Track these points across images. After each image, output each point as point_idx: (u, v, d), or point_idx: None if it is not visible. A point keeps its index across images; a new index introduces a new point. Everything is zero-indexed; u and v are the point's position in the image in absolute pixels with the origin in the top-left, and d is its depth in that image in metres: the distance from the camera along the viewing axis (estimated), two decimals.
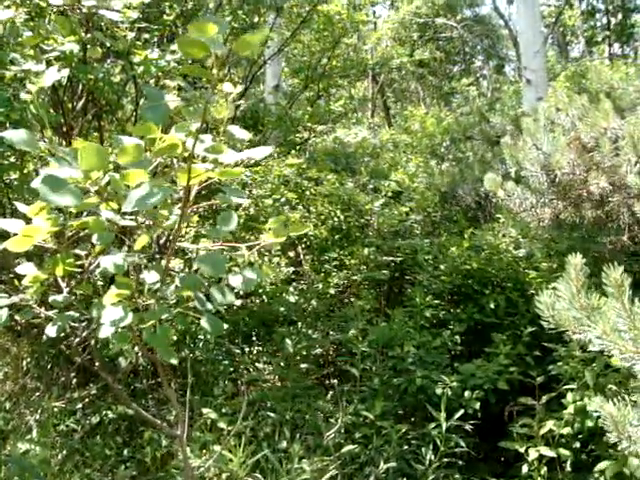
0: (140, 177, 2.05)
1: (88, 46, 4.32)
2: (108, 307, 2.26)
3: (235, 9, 6.77)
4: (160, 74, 4.72)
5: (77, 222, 2.23)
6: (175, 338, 5.90)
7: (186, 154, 2.15)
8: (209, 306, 2.41)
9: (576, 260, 2.32)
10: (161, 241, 6.14)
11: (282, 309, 6.74)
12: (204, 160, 2.23)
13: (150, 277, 2.42)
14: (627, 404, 2.45)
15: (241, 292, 6.93)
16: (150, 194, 1.97)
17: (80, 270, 2.56)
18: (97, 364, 3.68)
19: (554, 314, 2.41)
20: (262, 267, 6.41)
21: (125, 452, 4.99)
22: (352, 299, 7.32)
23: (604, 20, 27.50)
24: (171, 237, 2.47)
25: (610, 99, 4.69)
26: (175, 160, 2.29)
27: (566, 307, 2.32)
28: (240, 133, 2.44)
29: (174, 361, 2.45)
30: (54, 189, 1.95)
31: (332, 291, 7.34)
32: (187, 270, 5.71)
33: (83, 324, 2.81)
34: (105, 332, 2.25)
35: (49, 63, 3.55)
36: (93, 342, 3.11)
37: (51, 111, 4.92)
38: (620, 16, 25.20)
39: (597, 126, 4.46)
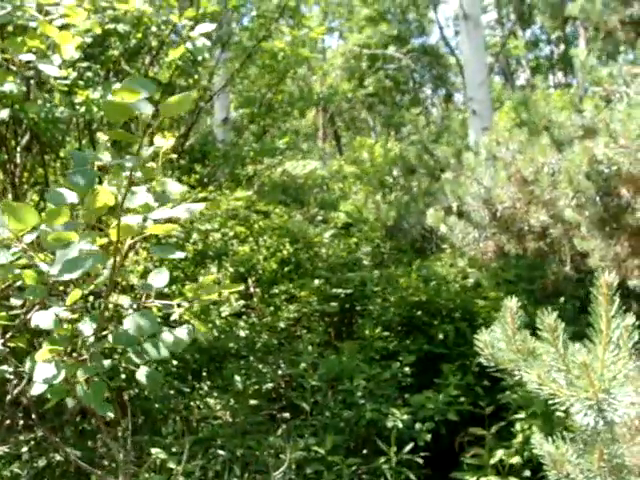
0: (69, 238, 2.05)
1: (31, 82, 4.29)
2: (40, 364, 2.24)
3: (180, 44, 6.77)
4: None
5: (11, 275, 2.21)
6: (123, 376, 5.83)
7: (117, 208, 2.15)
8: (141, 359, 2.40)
9: (511, 304, 2.35)
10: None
11: (231, 344, 6.69)
12: (138, 212, 2.23)
13: (86, 329, 2.40)
14: (565, 442, 2.47)
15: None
16: (80, 260, 1.96)
17: (13, 323, 2.53)
18: (33, 417, 3.61)
19: (493, 352, 2.43)
20: (196, 324, 6.38)
21: None
22: (303, 332, 7.31)
23: (547, 49, 28.14)
24: (103, 292, 2.45)
25: (549, 133, 4.79)
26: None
27: (503, 348, 2.35)
28: (173, 186, 2.46)
29: (111, 413, 2.42)
30: None
31: (282, 324, 7.32)
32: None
33: (14, 381, 2.76)
34: (37, 389, 2.22)
35: None
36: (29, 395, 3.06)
37: None
38: (562, 46, 25.77)
39: (535, 160, 4.55)
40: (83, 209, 2.14)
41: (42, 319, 2.25)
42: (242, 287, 7.65)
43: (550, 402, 2.20)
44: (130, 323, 2.29)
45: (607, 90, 4.81)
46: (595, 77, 4.58)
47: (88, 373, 2.33)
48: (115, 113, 2.07)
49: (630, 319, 2.21)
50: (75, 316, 2.50)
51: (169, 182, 2.46)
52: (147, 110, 2.04)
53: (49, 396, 2.31)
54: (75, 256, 1.98)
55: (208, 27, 4.07)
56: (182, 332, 2.46)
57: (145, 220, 2.20)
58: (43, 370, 2.22)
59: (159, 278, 2.46)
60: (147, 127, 2.09)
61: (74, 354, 2.38)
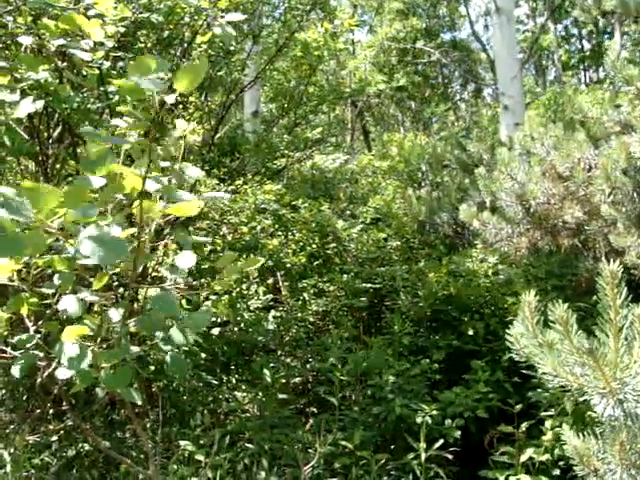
0: (92, 221, 2.03)
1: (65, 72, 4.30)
2: (66, 344, 2.23)
3: (212, 37, 6.78)
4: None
5: (41, 260, 2.20)
6: (152, 367, 5.85)
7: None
8: (169, 346, 2.39)
9: (529, 298, 2.33)
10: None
11: (260, 338, 6.69)
12: (161, 198, 2.22)
13: (115, 315, 2.39)
14: (594, 436, 2.44)
15: (218, 320, 6.91)
16: (109, 243, 1.94)
17: (46, 309, 2.53)
18: (65, 405, 3.62)
19: (522, 347, 2.42)
20: (218, 306, 6.40)
21: None
22: (331, 326, 7.30)
23: (579, 45, 27.88)
24: (129, 278, 2.44)
25: (584, 128, 4.73)
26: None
27: (525, 342, 2.34)
28: (192, 171, 2.44)
29: (138, 401, 2.41)
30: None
31: (311, 319, 7.31)
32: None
33: (46, 368, 2.76)
34: (64, 373, 2.21)
35: (24, 92, 3.52)
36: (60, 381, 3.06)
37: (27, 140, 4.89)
38: (594, 41, 25.52)
39: (571, 156, 4.49)
40: (104, 192, 2.12)
41: (69, 304, 2.25)
42: (270, 279, 7.66)
43: (566, 393, 2.20)
44: (153, 303, 2.28)
45: (639, 89, 4.73)
46: (626, 75, 4.50)
47: (114, 358, 2.32)
48: (130, 93, 2.05)
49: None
50: (105, 302, 2.50)
51: (189, 166, 2.44)
52: (158, 87, 2.03)
53: (77, 382, 2.30)
54: (104, 240, 1.95)
55: (237, 16, 4.07)
56: (202, 313, 2.44)
57: (168, 202, 2.19)
58: (69, 350, 2.22)
59: (185, 260, 2.43)
60: (161, 107, 2.08)
61: (102, 341, 2.38)
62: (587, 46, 27.44)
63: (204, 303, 6.31)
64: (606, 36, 23.44)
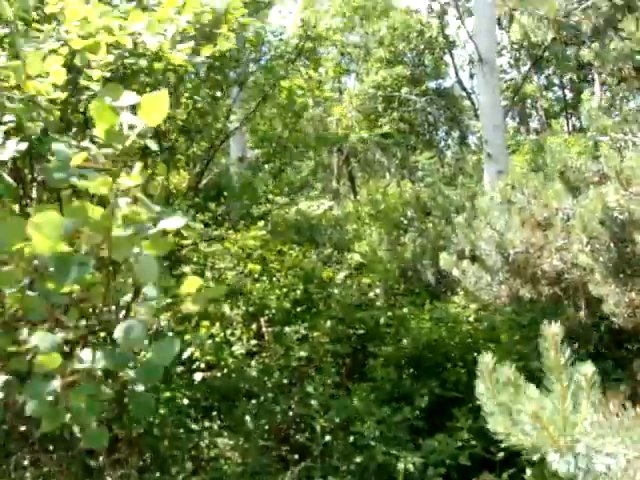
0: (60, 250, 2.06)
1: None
2: (34, 379, 2.22)
3: (198, 83, 6.86)
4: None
5: (11, 298, 2.21)
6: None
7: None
8: (139, 387, 2.37)
9: (486, 359, 2.38)
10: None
11: (242, 384, 6.67)
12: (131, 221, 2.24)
13: (87, 355, 2.37)
14: None
15: (201, 365, 6.89)
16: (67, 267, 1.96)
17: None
18: (41, 458, 3.59)
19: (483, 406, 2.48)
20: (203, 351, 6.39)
21: None
22: (314, 372, 7.28)
23: (560, 93, 28.30)
24: (97, 310, 2.45)
25: (564, 178, 4.80)
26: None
27: (486, 402, 2.39)
28: (171, 222, 2.43)
29: (105, 443, 2.38)
30: None
31: (294, 364, 7.30)
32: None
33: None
34: (31, 408, 2.20)
35: (7, 134, 3.54)
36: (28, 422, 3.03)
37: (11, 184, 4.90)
38: (573, 90, 25.94)
39: (549, 206, 4.55)
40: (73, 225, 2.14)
41: (42, 340, 2.24)
42: (253, 324, 7.65)
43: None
44: (119, 332, 2.26)
45: (613, 138, 4.83)
46: (601, 125, 4.60)
47: (82, 392, 2.29)
48: (101, 115, 2.10)
49: (589, 367, 2.23)
50: (77, 339, 2.49)
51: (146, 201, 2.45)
52: (129, 118, 2.08)
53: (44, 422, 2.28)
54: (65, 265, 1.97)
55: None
56: (168, 342, 2.39)
57: (136, 233, 2.20)
58: (36, 386, 2.22)
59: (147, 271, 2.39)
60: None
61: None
62: (569, 95, 27.85)
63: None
64: (586, 84, 23.82)
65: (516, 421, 2.29)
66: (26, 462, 5.40)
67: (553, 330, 2.23)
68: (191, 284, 2.57)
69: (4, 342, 2.46)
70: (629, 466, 2.24)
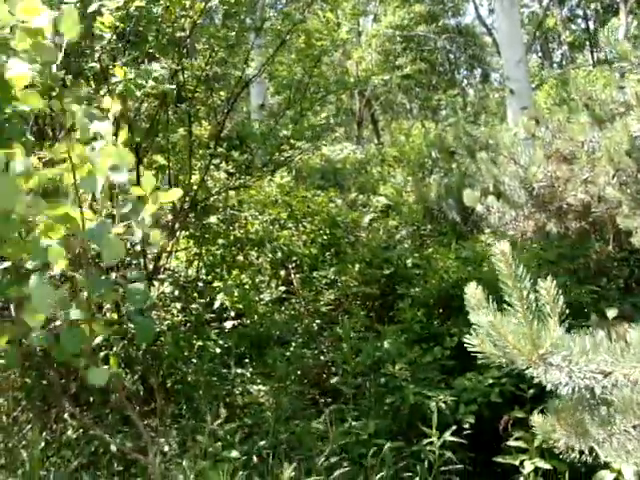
0: None
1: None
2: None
3: (214, 30, 6.79)
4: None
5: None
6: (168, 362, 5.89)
7: None
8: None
9: (471, 290, 2.43)
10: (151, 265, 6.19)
11: (274, 330, 6.73)
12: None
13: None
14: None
15: (232, 314, 6.95)
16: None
17: None
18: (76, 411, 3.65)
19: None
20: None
21: None
22: (344, 317, 7.31)
23: (584, 25, 27.70)
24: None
25: (589, 110, 4.71)
26: None
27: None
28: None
29: (101, 382, 2.41)
30: None
31: (324, 309, 7.34)
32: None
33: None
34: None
35: None
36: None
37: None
38: (597, 21, 25.36)
39: (575, 139, 4.48)
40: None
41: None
42: (282, 271, 7.67)
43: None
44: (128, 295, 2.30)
45: (633, 63, 4.70)
46: (620, 51, 4.47)
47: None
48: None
49: (548, 282, 2.24)
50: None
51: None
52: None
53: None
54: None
55: None
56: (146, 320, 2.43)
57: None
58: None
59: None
60: None
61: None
62: (593, 27, 27.23)
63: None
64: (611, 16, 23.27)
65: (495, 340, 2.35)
66: (65, 415, 5.53)
67: (502, 247, 2.26)
68: (147, 182, 2.56)
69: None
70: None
